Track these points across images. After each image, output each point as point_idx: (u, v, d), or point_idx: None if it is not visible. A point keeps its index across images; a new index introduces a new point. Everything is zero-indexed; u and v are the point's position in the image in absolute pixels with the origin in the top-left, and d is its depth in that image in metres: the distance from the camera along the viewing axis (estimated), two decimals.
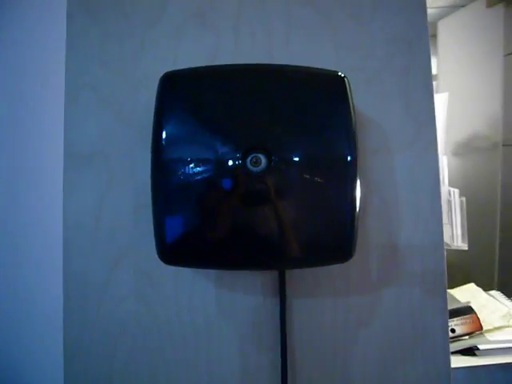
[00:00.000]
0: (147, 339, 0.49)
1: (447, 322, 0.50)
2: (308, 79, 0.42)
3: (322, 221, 0.41)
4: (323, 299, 0.50)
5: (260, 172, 0.39)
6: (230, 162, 0.39)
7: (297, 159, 0.40)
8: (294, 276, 0.49)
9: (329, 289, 0.50)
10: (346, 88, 0.42)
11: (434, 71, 1.70)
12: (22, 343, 0.48)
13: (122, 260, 0.49)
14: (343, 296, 0.50)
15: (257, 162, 0.39)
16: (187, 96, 0.41)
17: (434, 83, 1.60)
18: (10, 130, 0.48)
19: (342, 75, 0.43)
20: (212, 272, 0.49)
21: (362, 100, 0.51)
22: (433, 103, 0.51)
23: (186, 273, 0.49)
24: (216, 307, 0.49)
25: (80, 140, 0.50)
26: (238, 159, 0.39)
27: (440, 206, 0.51)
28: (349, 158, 0.41)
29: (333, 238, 0.41)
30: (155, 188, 0.40)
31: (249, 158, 0.39)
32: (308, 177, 0.40)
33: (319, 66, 0.50)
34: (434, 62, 1.72)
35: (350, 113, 0.42)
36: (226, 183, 0.40)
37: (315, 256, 0.41)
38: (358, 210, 0.41)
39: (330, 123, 0.41)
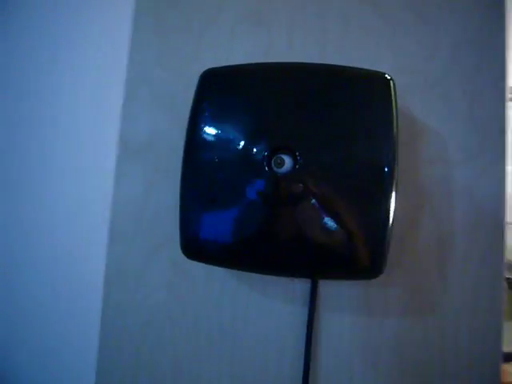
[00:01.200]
0: (174, 331, 0.50)
1: (499, 369, 0.44)
2: (349, 79, 0.40)
3: (349, 231, 0.38)
4: (356, 317, 0.46)
5: (283, 173, 0.38)
6: (254, 162, 0.38)
7: (326, 163, 0.38)
8: (329, 288, 0.47)
9: (363, 307, 0.46)
10: (390, 91, 0.39)
11: None
12: (61, 322, 0.52)
13: (159, 250, 0.50)
14: (378, 317, 0.46)
15: (280, 163, 0.38)
16: (221, 94, 0.40)
17: None
18: (71, 121, 0.52)
19: (388, 77, 0.39)
20: (244, 274, 0.48)
21: (421, 105, 0.47)
22: (503, 110, 0.45)
23: (218, 271, 0.49)
24: (244, 309, 0.48)
25: (133, 133, 0.52)
26: (262, 159, 0.38)
27: (503, 232, 0.45)
28: (386, 169, 0.37)
29: (359, 252, 0.38)
30: (184, 183, 0.41)
31: (273, 159, 0.38)
32: (336, 183, 0.38)
33: (374, 68, 0.47)
34: None
35: (393, 118, 0.38)
36: (249, 183, 0.39)
37: (338, 268, 0.39)
38: (390, 225, 0.38)
39: (367, 128, 0.38)
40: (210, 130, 0.40)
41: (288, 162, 0.38)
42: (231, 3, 0.51)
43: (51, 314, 0.53)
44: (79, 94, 0.53)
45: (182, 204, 0.41)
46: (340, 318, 0.46)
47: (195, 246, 0.41)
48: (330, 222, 0.38)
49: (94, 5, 0.53)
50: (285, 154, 0.38)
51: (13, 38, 0.54)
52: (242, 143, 0.39)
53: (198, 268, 0.49)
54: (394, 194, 0.38)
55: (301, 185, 0.38)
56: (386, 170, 0.37)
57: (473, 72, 0.46)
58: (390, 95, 0.38)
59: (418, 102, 0.47)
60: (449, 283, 0.45)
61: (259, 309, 0.48)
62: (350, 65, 0.48)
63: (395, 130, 0.38)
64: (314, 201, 0.38)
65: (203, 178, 0.40)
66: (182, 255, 0.49)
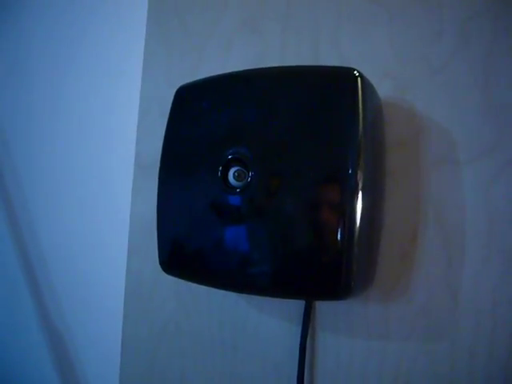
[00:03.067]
0: (183, 343, 0.50)
1: None
2: (311, 80, 0.36)
3: (313, 246, 0.34)
4: (354, 339, 0.42)
5: (242, 187, 0.36)
6: (212, 176, 0.37)
7: (283, 173, 0.35)
8: (326, 308, 0.43)
9: (362, 327, 0.41)
10: (356, 88, 0.34)
11: None
12: (84, 331, 0.56)
13: None
14: (379, 339, 0.41)
15: (239, 176, 0.36)
16: (184, 110, 0.40)
17: None
18: (87, 137, 0.57)
19: (356, 73, 0.35)
20: None
21: (424, 97, 0.41)
22: None
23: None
24: (242, 325, 0.47)
25: (147, 150, 0.55)
26: (219, 173, 0.37)
27: None
28: (346, 175, 0.33)
29: (324, 268, 0.34)
30: (159, 198, 0.41)
31: (231, 172, 0.37)
32: (294, 194, 0.35)
33: (372, 61, 0.43)
34: None
35: (357, 118, 0.34)
36: (210, 198, 0.38)
37: (305, 287, 0.35)
38: (356, 237, 0.33)
39: (330, 132, 0.35)
40: (177, 146, 0.40)
41: (246, 174, 0.36)
42: (227, 15, 0.51)
43: (78, 321, 0.58)
44: (96, 115, 0.57)
45: (158, 220, 0.42)
46: (336, 339, 0.42)
47: (172, 263, 0.41)
48: (285, 238, 0.35)
49: (108, 28, 0.57)
50: (243, 166, 0.36)
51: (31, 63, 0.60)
52: (202, 157, 0.38)
53: None
54: (359, 202, 0.33)
55: (262, 199, 0.36)
56: (348, 175, 0.33)
57: (486, 53, 0.39)
58: (356, 93, 0.34)
59: (421, 93, 0.41)
60: (460, 302, 0.38)
61: (256, 326, 0.46)
62: (346, 61, 0.44)
63: (360, 130, 0.34)
64: (273, 215, 0.35)
65: (174, 194, 0.40)
66: None
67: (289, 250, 0.35)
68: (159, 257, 0.42)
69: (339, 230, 0.33)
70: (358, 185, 0.33)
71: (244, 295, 0.47)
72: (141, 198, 0.55)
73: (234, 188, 0.36)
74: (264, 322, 0.46)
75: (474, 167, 0.38)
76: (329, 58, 0.45)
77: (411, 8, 0.42)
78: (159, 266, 0.51)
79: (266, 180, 0.36)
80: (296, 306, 0.44)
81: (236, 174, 0.36)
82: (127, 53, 0.57)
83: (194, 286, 0.49)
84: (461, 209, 0.39)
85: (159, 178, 0.42)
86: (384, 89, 0.41)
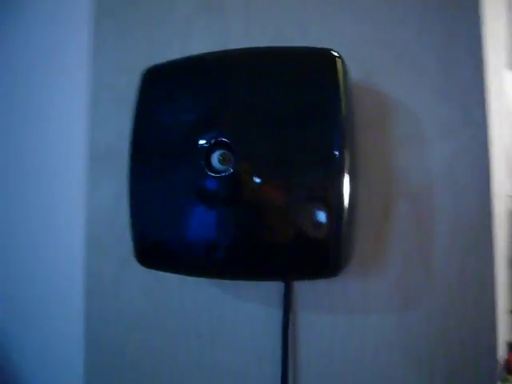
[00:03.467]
0: (155, 339, 0.48)
1: (496, 353, 0.39)
2: (291, 60, 0.36)
3: (300, 227, 0.35)
4: (335, 316, 0.43)
5: (226, 170, 0.35)
6: (195, 160, 0.36)
7: (270, 155, 0.35)
8: (304, 288, 0.44)
9: (342, 304, 0.43)
10: (336, 69, 0.35)
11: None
12: (43, 335, 0.52)
13: (131, 258, 0.49)
14: (359, 314, 0.42)
15: (224, 160, 0.35)
16: (158, 92, 0.38)
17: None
18: (35, 129, 0.52)
19: (335, 53, 0.36)
20: None
21: (390, 80, 0.43)
22: (482, 79, 0.40)
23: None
24: (219, 313, 0.46)
25: (101, 139, 0.51)
26: (202, 156, 0.35)
27: (491, 212, 0.40)
28: (334, 155, 0.34)
29: (312, 248, 0.35)
30: (131, 189, 0.39)
31: (215, 155, 0.35)
32: (282, 175, 0.35)
33: (339, 44, 0.43)
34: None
35: (340, 98, 0.34)
36: (191, 184, 0.36)
37: (292, 268, 0.35)
38: (345, 216, 0.34)
39: (314, 111, 0.35)
40: (151, 130, 0.38)
41: (232, 157, 0.35)
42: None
43: (31, 327, 0.53)
44: (46, 99, 0.53)
45: (131, 211, 0.39)
46: (318, 317, 0.43)
47: (150, 255, 0.39)
48: (276, 219, 0.35)
49: (53, 10, 0.52)
50: (228, 149, 0.35)
51: None
52: (182, 142, 0.37)
53: (171, 274, 0.47)
54: (346, 181, 0.34)
55: (248, 182, 0.35)
56: (335, 155, 0.34)
57: (446, 38, 0.41)
58: (336, 74, 0.35)
59: (388, 76, 0.43)
60: (433, 273, 0.41)
61: (234, 312, 0.46)
62: (312, 43, 0.44)
63: (343, 109, 0.34)
64: (260, 197, 0.35)
65: (149, 183, 0.38)
66: None
67: (281, 232, 0.35)
68: (135, 250, 0.40)
69: (330, 210, 0.33)
70: (344, 166, 0.34)
71: (219, 284, 0.46)
72: (98, 191, 0.51)
73: (219, 172, 0.35)
74: (242, 309, 0.46)
75: (439, 144, 0.41)
76: (294, 39, 0.45)
77: None
78: (124, 262, 0.49)
79: (251, 163, 0.35)
80: (274, 289, 0.44)
81: (221, 157, 0.35)
82: (72, 34, 0.52)
83: (165, 279, 0.48)
84: (428, 185, 0.41)
85: (130, 165, 0.39)
86: (351, 71, 0.42)
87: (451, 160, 0.41)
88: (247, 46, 0.46)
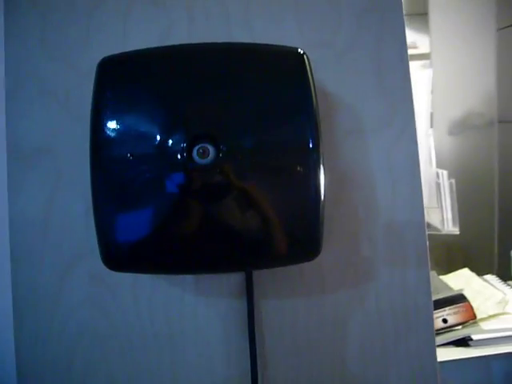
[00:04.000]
0: (105, 348, 0.45)
1: (431, 312, 0.46)
2: (262, 57, 0.38)
3: (282, 215, 0.36)
4: (295, 298, 0.46)
5: (208, 164, 0.35)
6: (173, 155, 0.35)
7: (249, 148, 0.36)
8: (262, 275, 0.45)
9: (300, 286, 0.46)
10: (305, 65, 0.37)
11: (426, 49, 1.63)
12: None
13: (74, 266, 0.45)
14: (317, 293, 0.46)
15: (204, 153, 0.35)
16: (124, 83, 0.36)
17: (427, 61, 1.55)
18: None
19: (301, 51, 0.38)
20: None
21: (331, 78, 0.46)
22: (409, 79, 0.47)
23: (144, 276, 0.45)
24: (178, 310, 0.45)
25: (24, 136, 0.46)
26: (181, 151, 0.35)
27: (420, 189, 0.47)
28: (310, 145, 0.36)
29: (295, 234, 0.37)
30: (95, 187, 0.36)
31: (195, 149, 0.35)
32: (263, 167, 0.36)
33: (282, 43, 0.46)
34: (426, 39, 1.65)
35: (311, 93, 0.37)
36: (170, 178, 0.35)
37: (277, 255, 0.37)
38: (322, 201, 0.37)
39: (287, 105, 0.37)
40: (118, 124, 0.36)
41: (212, 151, 0.35)
42: None
43: None
44: None
45: (96, 212, 0.36)
46: (279, 302, 0.46)
47: (118, 256, 0.37)
48: (259, 210, 0.36)
49: None
50: (207, 142, 0.35)
51: None
52: (156, 135, 0.35)
53: (122, 277, 0.44)
54: (321, 171, 0.37)
55: (226, 174, 0.35)
56: (311, 146, 0.36)
57: (378, 42, 0.47)
58: (305, 70, 0.37)
59: (329, 75, 0.47)
60: (379, 250, 0.46)
61: (194, 307, 0.45)
62: (256, 41, 0.46)
63: (315, 104, 0.37)
64: (241, 190, 0.36)
65: (117, 179, 0.36)
66: (102, 267, 0.44)
67: (263, 221, 0.36)
68: (102, 254, 0.37)
69: (311, 198, 0.36)
70: (320, 154, 0.37)
71: (176, 281, 0.45)
72: (23, 193, 0.45)
73: (198, 165, 0.35)
74: (201, 304, 0.45)
75: (377, 136, 0.46)
76: (240, 38, 0.46)
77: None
78: (64, 272, 0.45)
79: (230, 156, 0.35)
80: (234, 280, 0.45)
81: (201, 150, 0.35)
82: None
83: (115, 283, 0.45)
84: (370, 171, 0.46)
85: (93, 164, 0.36)
86: None
87: (386, 148, 0.46)
88: (190, 41, 0.46)
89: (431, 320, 0.46)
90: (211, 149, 0.35)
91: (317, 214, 0.36)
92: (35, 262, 0.45)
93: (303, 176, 0.36)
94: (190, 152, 0.35)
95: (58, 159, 0.45)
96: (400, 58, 0.47)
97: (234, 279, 0.45)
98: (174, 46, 0.38)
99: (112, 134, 0.36)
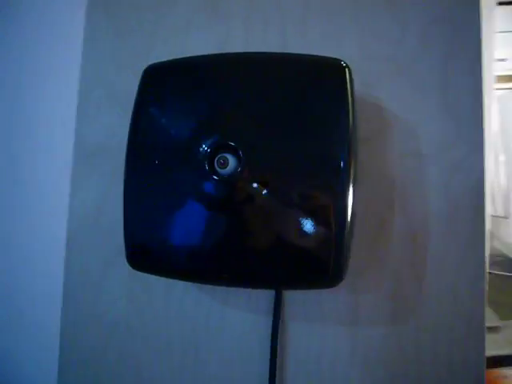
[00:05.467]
0: (135, 343, 0.47)
1: (483, 369, 0.40)
2: (299, 67, 0.36)
3: (302, 236, 0.34)
4: (325, 325, 0.43)
5: (227, 175, 0.34)
6: (195, 163, 0.35)
7: (273, 161, 0.34)
8: (295, 296, 0.43)
9: (332, 313, 0.42)
10: (345, 79, 0.35)
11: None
12: (18, 336, 0.50)
13: (117, 260, 0.47)
14: (349, 323, 0.42)
15: (224, 164, 0.34)
16: (162, 90, 0.37)
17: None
18: (22, 125, 0.50)
19: (344, 64, 0.36)
20: None
21: (390, 94, 0.43)
22: (480, 96, 0.41)
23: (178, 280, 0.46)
24: (205, 320, 0.45)
25: (89, 136, 0.50)
26: (203, 159, 0.34)
27: (484, 227, 0.41)
28: (340, 165, 0.34)
29: (314, 258, 0.34)
30: (125, 188, 0.38)
31: (216, 159, 0.35)
32: (285, 184, 0.34)
33: (339, 55, 0.43)
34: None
35: (348, 108, 0.34)
36: (191, 187, 0.35)
37: (294, 277, 0.35)
38: (348, 227, 0.34)
39: (319, 120, 0.35)
40: (150, 130, 0.37)
41: (232, 161, 0.34)
42: None
43: (7, 329, 0.51)
44: (35, 95, 0.50)
45: (125, 212, 0.38)
46: (307, 328, 0.43)
47: (139, 257, 0.38)
48: (276, 228, 0.34)
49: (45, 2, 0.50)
50: (228, 152, 0.34)
51: None
52: (182, 143, 0.36)
53: (157, 278, 0.46)
54: (351, 193, 0.34)
55: (250, 187, 0.34)
56: (341, 165, 0.34)
57: (445, 56, 0.42)
58: (345, 83, 0.35)
59: (387, 90, 0.43)
60: (424, 286, 0.41)
61: (221, 319, 0.45)
62: (313, 53, 0.44)
63: (351, 121, 0.34)
64: (260, 204, 0.34)
65: (143, 183, 0.37)
66: None
67: (283, 240, 0.34)
68: (126, 251, 0.38)
69: (334, 220, 0.33)
70: (349, 176, 0.34)
71: (208, 290, 0.45)
72: (83, 187, 0.49)
73: (218, 175, 0.34)
74: (229, 317, 0.45)
75: (436, 160, 0.41)
76: (296, 47, 0.45)
77: (377, 10, 0.44)
78: (108, 264, 0.47)
79: (253, 168, 0.34)
80: (263, 297, 0.44)
81: (221, 160, 0.34)
82: (66, 26, 0.50)
83: (151, 284, 0.46)
84: (424, 198, 0.41)
85: (126, 166, 0.38)
86: None
87: (446, 174, 0.41)
88: (248, 50, 0.46)
89: (482, 379, 0.40)
90: (232, 160, 0.34)
91: (341, 237, 0.33)
92: (85, 252, 0.48)
93: (328, 197, 0.34)
94: (211, 161, 0.35)
95: (115, 159, 0.48)
96: (471, 72, 0.41)
97: (263, 296, 0.44)
98: (211, 56, 0.38)
99: (143, 139, 0.37)
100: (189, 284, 0.45)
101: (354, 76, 0.39)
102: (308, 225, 0.33)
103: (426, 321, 0.41)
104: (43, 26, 0.50)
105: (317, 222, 0.33)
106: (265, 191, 0.34)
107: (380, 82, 0.43)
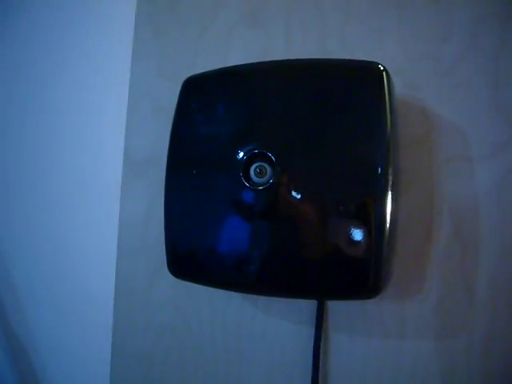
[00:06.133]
0: (181, 350, 0.48)
1: None
2: (334, 72, 0.35)
3: (341, 246, 0.33)
4: (369, 338, 0.41)
5: (263, 184, 0.34)
6: (232, 172, 0.35)
7: (309, 170, 0.34)
8: (338, 308, 0.42)
9: (377, 326, 0.41)
10: (382, 82, 0.34)
11: None
12: (70, 337, 0.52)
13: (163, 268, 0.48)
14: (395, 338, 0.40)
15: (261, 173, 0.34)
16: (199, 101, 0.38)
17: None
18: (73, 132, 0.53)
19: (381, 67, 0.34)
20: None
21: (435, 96, 0.41)
22: None
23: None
24: (248, 330, 0.45)
25: (137, 147, 0.52)
26: (239, 169, 0.35)
27: None
28: (377, 172, 0.32)
29: (352, 268, 0.33)
30: (167, 197, 0.39)
31: (252, 168, 0.35)
32: (321, 192, 0.34)
33: (382, 57, 0.42)
34: None
35: (385, 113, 0.33)
36: (227, 197, 0.36)
37: (328, 287, 0.34)
38: (387, 236, 0.33)
39: (355, 127, 0.34)
40: (189, 141, 0.38)
41: (269, 170, 0.34)
42: (226, 6, 0.49)
43: (62, 330, 0.54)
44: (83, 108, 0.53)
45: (166, 220, 0.39)
46: (351, 339, 0.42)
47: (179, 264, 0.39)
48: (315, 238, 0.34)
49: (94, 15, 0.53)
50: (265, 161, 0.35)
51: (17, 51, 0.55)
52: (220, 153, 0.36)
53: (201, 285, 0.46)
54: (389, 200, 0.33)
55: (288, 196, 0.34)
56: (378, 172, 0.32)
57: (496, 52, 0.39)
58: (382, 87, 0.34)
59: (432, 92, 0.41)
60: (477, 299, 0.38)
61: (265, 328, 0.45)
62: (354, 56, 0.43)
63: (389, 125, 0.33)
64: (298, 214, 0.34)
65: (184, 192, 0.38)
66: None
67: (319, 249, 0.34)
68: (168, 260, 0.39)
69: (371, 229, 0.32)
70: (388, 184, 0.32)
71: (251, 299, 0.45)
72: (131, 197, 0.51)
73: (256, 184, 0.34)
74: (272, 325, 0.44)
75: (487, 165, 0.39)
76: (336, 53, 0.44)
77: (421, 7, 0.42)
78: (153, 270, 0.49)
79: (291, 176, 0.34)
80: (307, 306, 0.43)
81: (258, 169, 0.34)
82: (115, 43, 0.53)
83: (194, 290, 0.47)
84: (474, 205, 0.39)
85: (167, 175, 0.39)
86: (396, 86, 0.41)
87: (499, 181, 0.39)
88: (288, 58, 0.46)
89: None
90: (269, 168, 0.34)
91: (379, 247, 0.32)
92: (134, 259, 0.50)
93: (366, 205, 0.33)
94: (247, 170, 0.35)
95: (161, 169, 0.50)
96: None
97: (306, 305, 0.43)
98: (247, 65, 0.38)
99: (182, 149, 0.38)
100: (232, 292, 0.46)
101: (396, 78, 0.38)
102: (346, 234, 0.33)
103: (478, 334, 0.38)
104: (92, 44, 0.53)
105: (355, 230, 0.32)
106: (302, 200, 0.34)
107: (425, 84, 0.41)
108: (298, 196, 0.34)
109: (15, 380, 0.55)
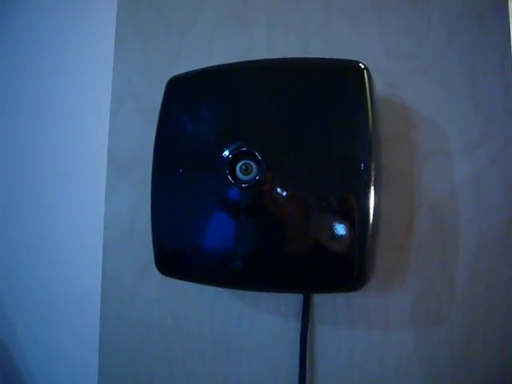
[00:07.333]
0: (170, 348, 0.48)
1: None
2: (316, 71, 0.36)
3: (324, 240, 0.34)
4: (354, 329, 0.42)
5: (250, 181, 0.35)
6: (217, 170, 0.36)
7: (293, 166, 0.35)
8: (323, 301, 0.43)
9: (362, 317, 0.42)
10: (363, 81, 0.35)
11: None
12: (57, 336, 0.52)
13: (150, 266, 0.49)
14: (379, 328, 0.41)
15: (247, 170, 0.35)
16: (183, 101, 0.38)
17: None
18: (57, 132, 0.53)
19: (362, 66, 0.35)
20: None
21: (414, 93, 0.42)
22: (510, 88, 0.39)
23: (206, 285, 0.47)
24: (236, 324, 0.46)
25: (121, 147, 0.52)
26: (224, 166, 0.35)
27: None
28: (360, 167, 0.33)
29: (337, 261, 0.34)
30: (153, 196, 0.39)
31: (238, 165, 0.35)
32: (306, 188, 0.34)
33: (363, 56, 0.43)
34: None
35: (367, 110, 0.34)
36: (213, 194, 0.36)
37: (314, 281, 0.35)
38: (370, 229, 0.34)
39: (338, 124, 0.34)
40: (175, 140, 0.38)
41: (255, 168, 0.35)
42: (209, 6, 0.49)
43: (49, 328, 0.53)
44: (65, 108, 0.53)
45: (153, 219, 0.39)
46: (337, 331, 0.43)
47: (167, 262, 0.39)
48: (299, 233, 0.34)
49: (76, 16, 0.53)
50: (250, 159, 0.35)
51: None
52: (205, 151, 0.37)
53: (189, 283, 0.47)
54: (372, 195, 0.34)
55: (273, 192, 0.35)
56: (361, 168, 0.33)
57: (472, 50, 0.41)
58: (364, 86, 0.34)
59: (412, 89, 0.42)
60: (457, 290, 0.40)
61: (252, 323, 0.45)
62: (335, 54, 0.44)
63: (370, 122, 0.34)
64: (284, 209, 0.35)
65: (171, 191, 0.38)
66: None
67: (303, 244, 0.34)
68: (155, 257, 0.39)
69: (355, 223, 0.33)
70: (370, 179, 0.33)
71: (238, 295, 0.46)
72: (116, 197, 0.51)
73: (242, 182, 0.35)
74: (259, 320, 0.45)
75: (466, 158, 0.40)
76: (318, 51, 0.45)
77: (400, 6, 0.43)
78: (142, 269, 0.49)
79: (276, 173, 0.35)
80: (293, 300, 0.44)
81: (244, 167, 0.35)
82: (97, 42, 0.53)
83: (182, 287, 0.48)
84: (454, 199, 0.40)
85: (153, 174, 0.39)
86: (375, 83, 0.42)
87: (478, 175, 0.40)
88: (270, 57, 0.47)
89: None
90: (254, 166, 0.35)
91: (362, 241, 0.33)
92: (120, 258, 0.50)
93: (349, 200, 0.34)
94: (233, 168, 0.35)
95: (146, 168, 0.50)
96: (500, 67, 0.40)
97: (292, 299, 0.44)
98: (230, 64, 0.39)
99: (167, 148, 0.38)
100: (219, 289, 0.46)
101: (377, 76, 0.39)
102: (331, 228, 0.33)
103: (459, 324, 0.39)
104: (74, 44, 0.53)
105: (339, 225, 0.33)
106: (287, 196, 0.34)
107: (405, 81, 0.42)
108: (284, 193, 0.35)
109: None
